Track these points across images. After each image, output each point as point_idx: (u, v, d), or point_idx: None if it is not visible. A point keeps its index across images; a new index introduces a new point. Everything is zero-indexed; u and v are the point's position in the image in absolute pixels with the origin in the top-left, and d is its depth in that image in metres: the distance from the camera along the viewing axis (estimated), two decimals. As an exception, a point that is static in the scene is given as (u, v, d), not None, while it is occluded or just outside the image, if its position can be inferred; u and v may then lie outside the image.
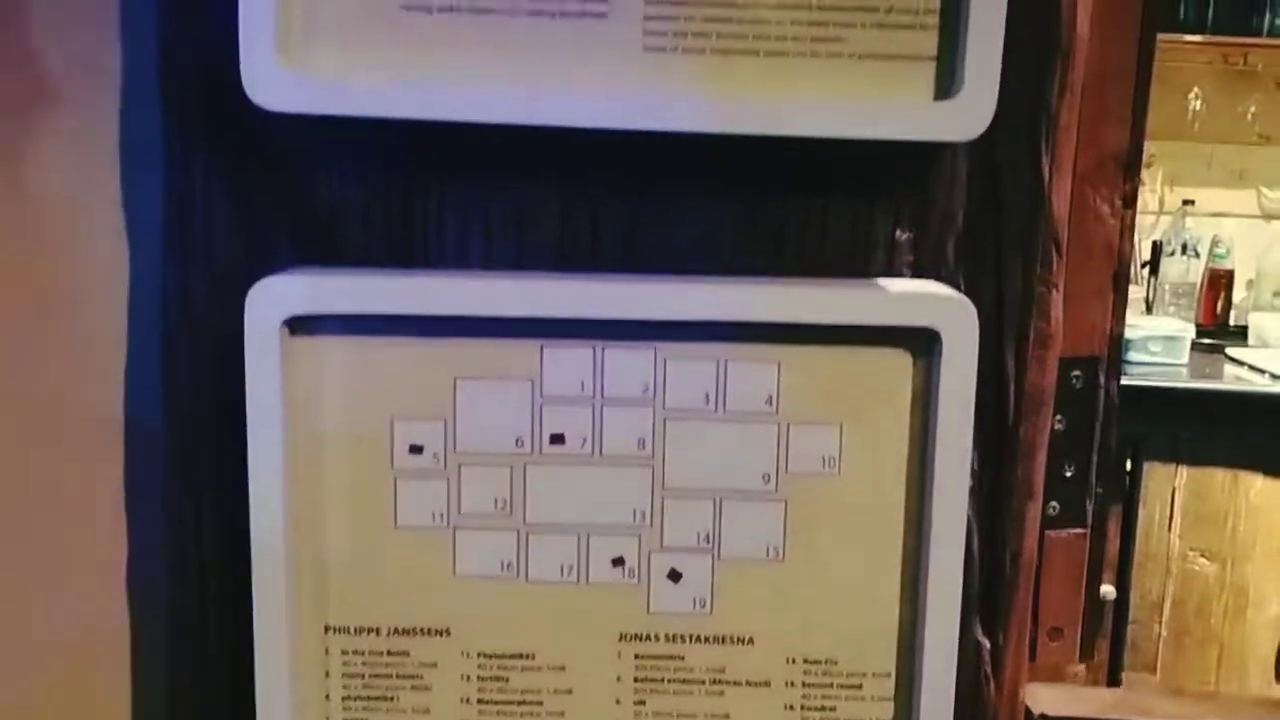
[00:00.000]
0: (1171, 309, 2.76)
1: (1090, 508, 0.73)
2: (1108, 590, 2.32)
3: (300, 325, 0.51)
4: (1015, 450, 0.60)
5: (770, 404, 0.53)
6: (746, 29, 0.51)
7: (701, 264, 0.54)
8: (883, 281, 0.53)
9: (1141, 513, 2.35)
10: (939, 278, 0.55)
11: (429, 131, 0.50)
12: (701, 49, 0.51)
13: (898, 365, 0.53)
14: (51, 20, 0.57)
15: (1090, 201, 0.69)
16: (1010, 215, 0.55)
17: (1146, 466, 2.34)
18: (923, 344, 0.52)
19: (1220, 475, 2.34)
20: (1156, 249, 2.78)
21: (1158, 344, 2.40)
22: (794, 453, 0.53)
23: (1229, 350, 2.56)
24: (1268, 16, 2.69)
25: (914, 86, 0.51)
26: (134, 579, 0.58)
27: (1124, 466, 2.33)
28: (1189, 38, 2.61)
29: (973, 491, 0.56)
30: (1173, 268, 2.77)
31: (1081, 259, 0.68)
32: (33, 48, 0.57)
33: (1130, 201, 0.71)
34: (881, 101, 0.51)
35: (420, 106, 0.50)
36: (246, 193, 0.53)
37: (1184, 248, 2.76)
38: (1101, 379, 0.72)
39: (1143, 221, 2.80)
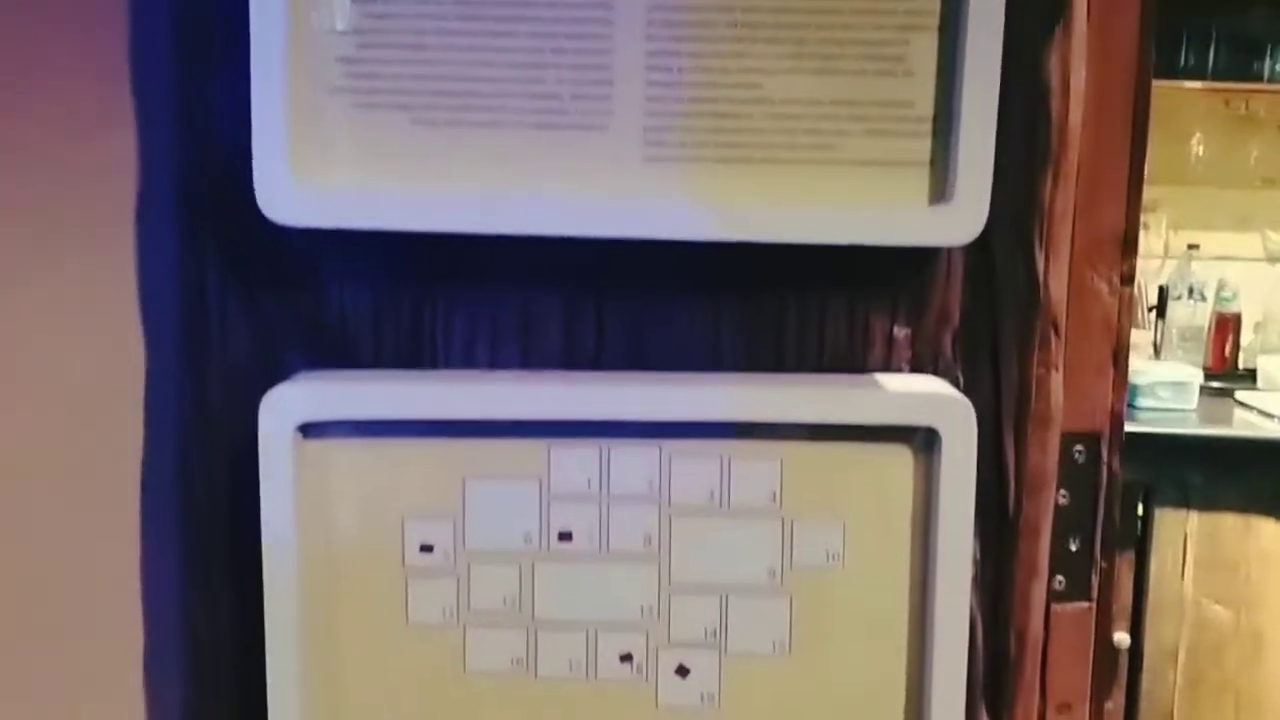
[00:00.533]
0: (1180, 353, 2.76)
1: (1096, 582, 0.74)
2: (1121, 638, 2.31)
3: (313, 429, 0.52)
4: (1016, 538, 0.61)
5: (774, 500, 0.54)
6: (744, 138, 0.52)
7: (704, 361, 0.55)
8: (882, 378, 0.54)
9: (1153, 559, 2.34)
10: (937, 372, 0.56)
11: (437, 239, 0.52)
12: (700, 158, 0.52)
13: (899, 461, 0.54)
14: (69, 126, 0.59)
15: (1089, 280, 0.70)
16: (1006, 310, 0.57)
17: (1157, 512, 2.33)
18: (922, 441, 0.53)
19: (1231, 521, 2.33)
20: (1163, 293, 2.78)
21: (1166, 389, 2.40)
22: (798, 547, 0.54)
23: (1238, 394, 2.56)
24: (1268, 62, 2.71)
25: (909, 191, 0.52)
26: (150, 679, 0.59)
27: (1135, 512, 2.32)
28: (1190, 84, 2.63)
29: (975, 580, 0.57)
30: (1179, 311, 2.77)
31: (1081, 336, 0.69)
32: (50, 153, 0.59)
33: (1128, 279, 0.72)
34: (877, 207, 0.52)
35: (430, 219, 0.51)
36: (260, 300, 0.55)
37: (1190, 291, 2.76)
38: (1104, 454, 0.73)
39: (1148, 265, 2.81)
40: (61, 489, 0.59)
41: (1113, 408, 0.73)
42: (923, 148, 0.52)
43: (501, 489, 0.53)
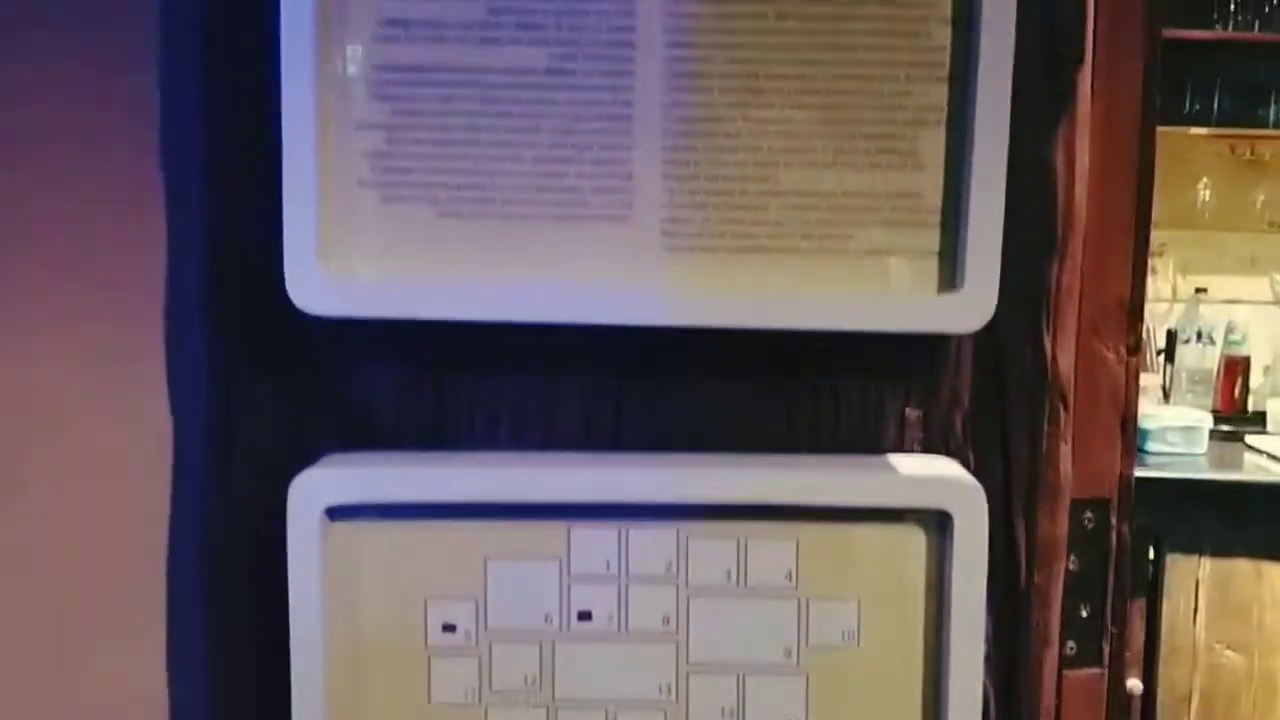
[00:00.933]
0: (1189, 396, 2.77)
1: (1107, 649, 0.75)
2: (1134, 685, 2.30)
3: (339, 512, 0.54)
4: (1028, 609, 0.62)
5: (790, 580, 0.55)
6: (760, 228, 0.54)
7: (721, 442, 0.57)
8: (895, 460, 0.56)
9: (1165, 605, 2.34)
10: (949, 452, 0.57)
11: (460, 324, 0.53)
12: (717, 248, 0.54)
13: (912, 541, 0.55)
14: (98, 206, 0.61)
15: (1096, 350, 0.71)
16: (1015, 392, 0.58)
17: (1169, 558, 2.33)
18: (935, 523, 0.54)
19: (1243, 566, 2.33)
20: (1171, 337, 2.80)
21: (1176, 434, 2.41)
22: (814, 627, 0.55)
23: (1248, 438, 2.56)
24: (1273, 108, 2.73)
25: (919, 280, 0.54)
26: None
27: (1146, 558, 2.32)
28: (1196, 130, 2.65)
29: (988, 657, 0.58)
30: (1188, 355, 2.78)
31: (1089, 406, 0.70)
32: (79, 232, 0.61)
33: (1135, 348, 0.73)
34: (888, 295, 0.53)
35: (454, 309, 0.53)
36: (287, 384, 0.56)
37: (1199, 335, 2.78)
38: (1113, 521, 0.74)
39: (1156, 309, 2.82)
40: (87, 570, 0.60)
41: (1121, 474, 0.74)
42: (932, 238, 0.54)
43: (522, 569, 0.55)
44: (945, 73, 0.53)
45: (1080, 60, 0.56)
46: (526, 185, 0.54)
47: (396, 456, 0.56)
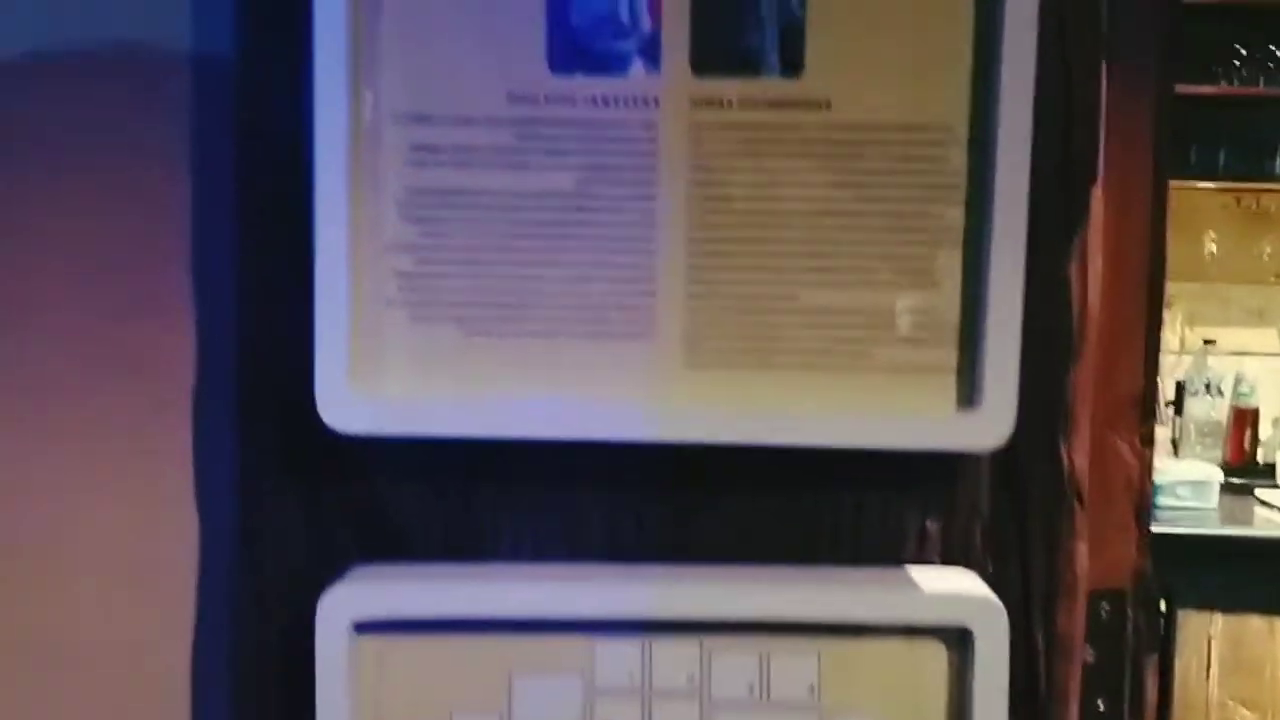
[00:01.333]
0: (1198, 448, 2.76)
1: (1124, 740, 0.75)
2: (1148, 743, 2.28)
3: (366, 626, 0.54)
4: (1047, 712, 0.62)
5: (812, 693, 0.55)
6: (780, 345, 0.55)
7: (743, 553, 0.57)
8: (915, 574, 0.56)
9: (1178, 662, 2.33)
10: (967, 563, 0.58)
11: (486, 439, 0.54)
12: (739, 364, 0.55)
13: (933, 656, 0.55)
14: (127, 313, 0.62)
15: (1110, 443, 0.72)
16: (1033, 502, 0.59)
17: (1181, 614, 2.33)
18: (956, 638, 0.55)
19: (1256, 622, 2.32)
20: (1180, 389, 2.80)
21: (1186, 489, 2.41)
22: (835, 740, 0.55)
23: (1259, 492, 2.56)
24: (1278, 161, 2.75)
25: (937, 397, 0.55)
26: None
27: (1158, 613, 2.31)
28: (1201, 183, 2.67)
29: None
30: (1197, 407, 2.78)
31: (1104, 498, 0.71)
32: (108, 339, 0.62)
33: (1148, 440, 0.74)
34: (907, 413, 0.54)
35: (481, 427, 0.54)
36: (315, 496, 0.57)
37: (1208, 387, 2.78)
38: (1130, 611, 0.74)
39: (1165, 361, 2.83)
40: (113, 679, 0.61)
41: (1136, 565, 0.74)
42: (950, 355, 0.55)
43: (547, 684, 0.55)
44: (962, 195, 0.54)
45: (1094, 178, 0.58)
46: (552, 304, 0.55)
47: (423, 570, 0.56)
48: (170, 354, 0.61)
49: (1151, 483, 0.76)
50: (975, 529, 0.58)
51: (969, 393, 0.54)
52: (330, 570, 0.56)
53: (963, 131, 0.54)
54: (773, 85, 0.53)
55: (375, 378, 0.54)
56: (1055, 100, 0.55)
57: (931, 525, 0.58)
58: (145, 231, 0.61)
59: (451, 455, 0.57)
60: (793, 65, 0.53)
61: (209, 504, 0.60)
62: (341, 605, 0.54)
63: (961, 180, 0.54)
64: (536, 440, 0.54)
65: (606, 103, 0.54)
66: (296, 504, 0.57)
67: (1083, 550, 0.65)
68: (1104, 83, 0.57)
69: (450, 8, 0.53)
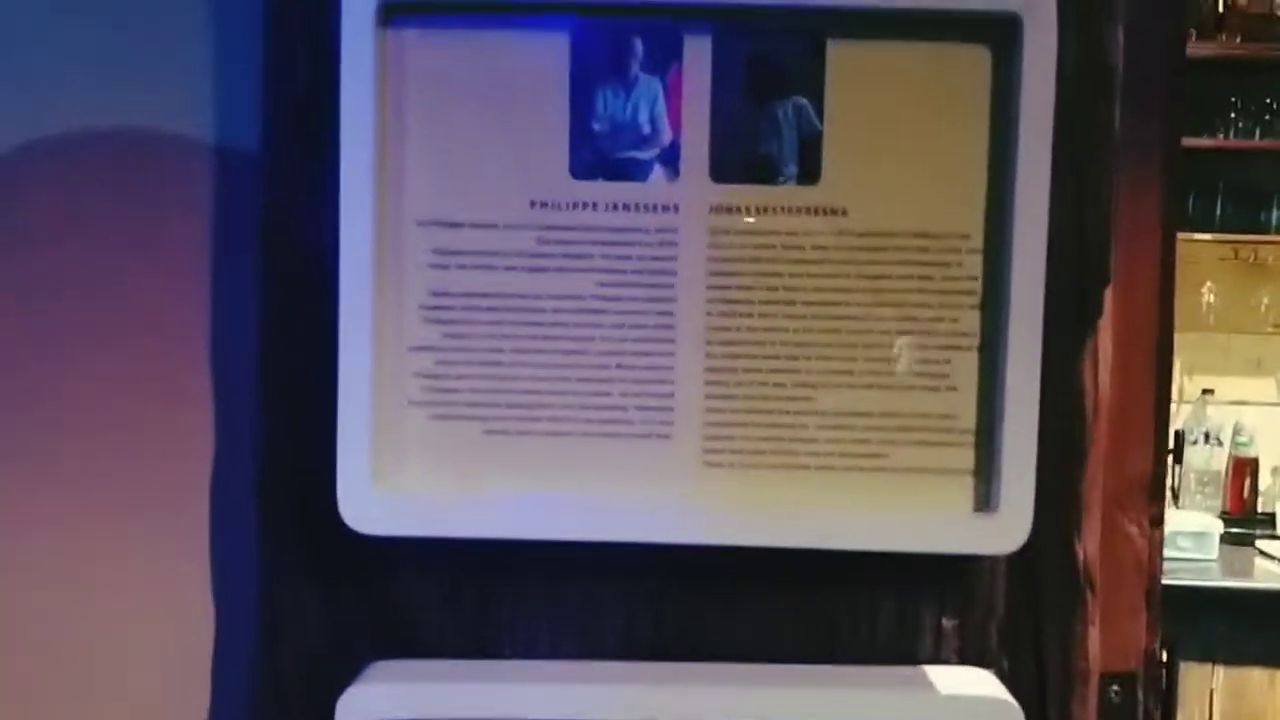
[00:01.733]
0: (1198, 497, 2.76)
1: (1135, 825, 0.75)
2: (1151, 797, 2.27)
3: (385, 724, 0.55)
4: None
5: (828, 793, 0.55)
6: (798, 446, 0.55)
7: (760, 651, 0.58)
8: (932, 675, 0.56)
9: (1180, 715, 2.32)
10: (983, 660, 0.58)
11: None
12: (757, 464, 0.55)
13: (948, 757, 0.55)
14: (144, 398, 0.62)
15: (1120, 525, 0.72)
16: (1048, 600, 0.59)
17: (1182, 666, 2.32)
18: (972, 739, 0.55)
19: (1257, 674, 2.31)
20: (1179, 438, 2.80)
21: (1187, 539, 2.40)
22: (852, 840, 0.55)
23: (1259, 543, 2.55)
24: (1275, 213, 2.77)
25: (954, 499, 0.55)
26: None
27: (1160, 665, 2.31)
28: (1199, 235, 2.69)
29: None
30: (1196, 456, 2.79)
31: (1115, 580, 0.71)
32: (126, 423, 0.62)
33: (1158, 521, 0.74)
34: (924, 515, 0.55)
35: (502, 528, 0.54)
36: (334, 590, 0.58)
37: (1206, 436, 2.78)
38: (1140, 695, 0.74)
39: (1164, 410, 2.83)
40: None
41: (1146, 647, 0.75)
42: (967, 457, 0.55)
43: (565, 782, 0.55)
44: (978, 300, 0.55)
45: (1108, 281, 0.58)
46: (572, 404, 0.55)
47: (441, 669, 0.56)
48: (192, 446, 0.61)
49: (1161, 564, 0.76)
50: (991, 626, 0.58)
51: (986, 495, 0.55)
52: (348, 664, 0.56)
53: (978, 239, 0.54)
54: (790, 192, 0.54)
55: (397, 477, 0.55)
56: (1068, 205, 0.56)
57: (948, 623, 0.58)
58: (168, 325, 0.62)
59: (470, 552, 0.57)
60: (810, 173, 0.54)
61: (228, 596, 0.60)
62: (361, 706, 0.54)
63: (977, 286, 0.55)
64: (555, 541, 0.54)
65: (627, 208, 0.54)
66: (315, 598, 0.58)
67: (1095, 636, 0.65)
68: (1116, 184, 0.58)
69: (474, 115, 0.54)
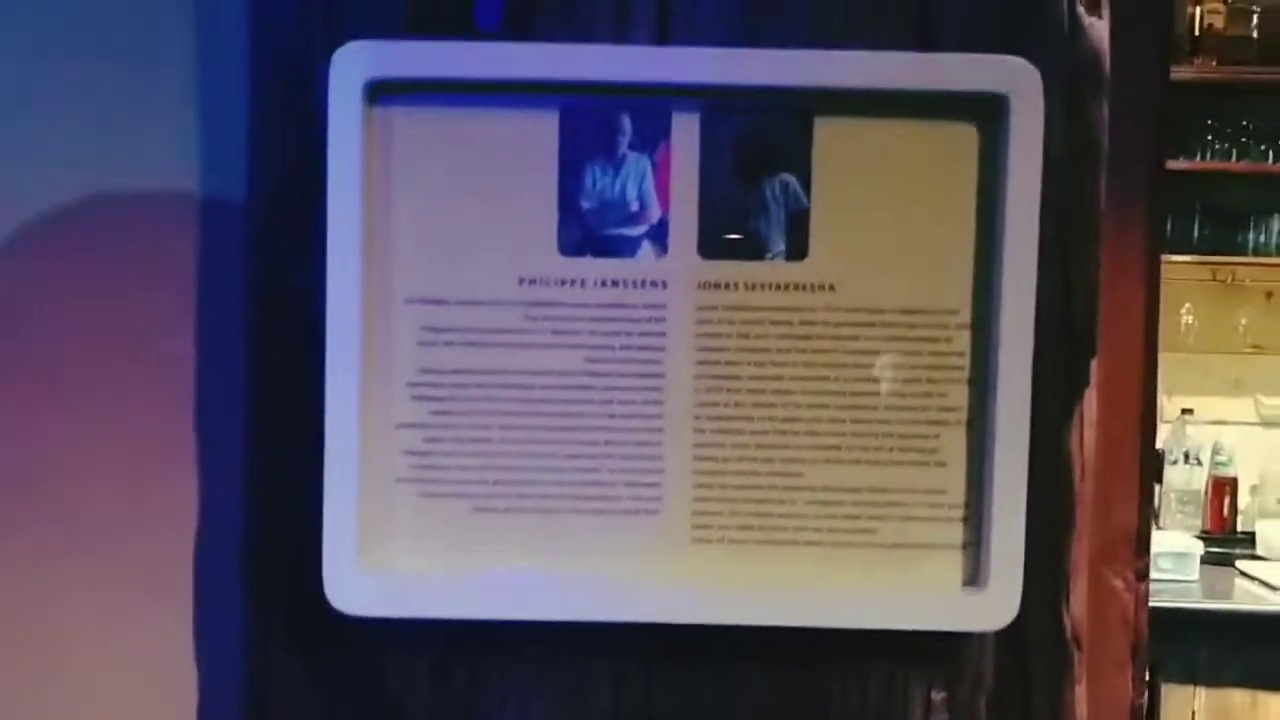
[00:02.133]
0: (1179, 516, 2.78)
1: None
2: (1134, 820, 2.27)
3: (373, 806, 0.54)
4: None
5: None
6: (787, 521, 0.55)
7: (749, 723, 0.57)
8: (921, 749, 0.56)
9: (1162, 738, 2.32)
10: (972, 731, 0.58)
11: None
12: (746, 540, 0.55)
13: (939, 832, 0.55)
14: (129, 485, 0.61)
15: (1105, 579, 0.72)
16: (1036, 670, 0.59)
17: (1164, 688, 2.33)
18: (962, 815, 0.55)
19: (1239, 696, 2.32)
20: (1159, 457, 2.82)
21: (1168, 560, 2.41)
22: None
23: (1239, 563, 2.57)
24: (1251, 234, 2.80)
25: (943, 573, 0.55)
26: None
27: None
28: (1177, 257, 2.71)
29: None
30: (1176, 476, 2.80)
31: (1100, 634, 0.71)
32: (110, 510, 0.61)
33: (1143, 575, 0.74)
34: (913, 590, 0.55)
35: (490, 608, 0.54)
36: (321, 670, 0.57)
37: (1186, 456, 2.80)
38: (1125, 750, 0.74)
39: (1144, 430, 2.84)
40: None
41: (1132, 703, 0.75)
42: (955, 532, 0.55)
43: None
44: (965, 375, 0.55)
45: (1094, 353, 0.59)
46: (561, 480, 0.55)
47: (429, 746, 0.56)
48: (176, 519, 0.61)
49: (1146, 618, 0.76)
50: (980, 699, 0.58)
51: (975, 571, 0.55)
52: (335, 743, 0.56)
53: (966, 314, 0.55)
54: (778, 269, 0.54)
55: (384, 556, 0.55)
56: (1055, 280, 0.56)
57: (937, 696, 0.58)
58: (151, 393, 0.61)
59: (459, 629, 0.56)
60: (798, 250, 0.54)
61: (212, 675, 0.60)
62: (348, 787, 0.53)
63: (965, 361, 0.55)
64: (544, 621, 0.54)
65: (615, 284, 0.54)
66: (302, 677, 0.57)
67: (1082, 694, 0.65)
68: (1101, 259, 0.59)
69: (462, 192, 0.54)
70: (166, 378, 0.61)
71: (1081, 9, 0.55)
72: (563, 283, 0.54)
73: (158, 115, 0.60)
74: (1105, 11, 0.56)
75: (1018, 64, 0.52)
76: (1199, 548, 2.48)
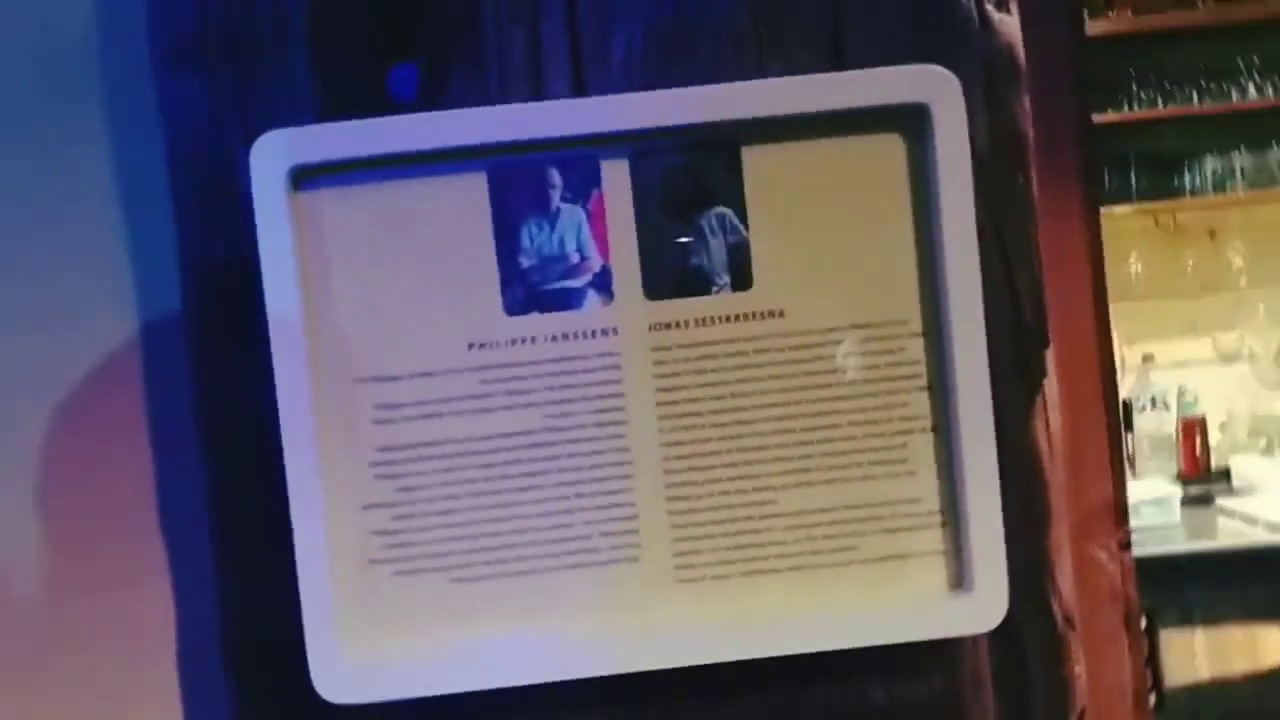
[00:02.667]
0: (1153, 464, 2.81)
1: None
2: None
3: None
4: None
5: None
6: (767, 550, 0.55)
7: (754, 755, 0.57)
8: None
9: (1167, 682, 2.35)
10: (977, 731, 0.58)
11: (487, 683, 0.54)
12: (729, 574, 0.55)
13: (957, 838, 0.55)
14: (103, 585, 0.61)
15: (1089, 553, 0.73)
16: (1031, 664, 0.59)
17: (1163, 634, 2.35)
18: (978, 819, 0.55)
19: (1238, 632, 2.35)
20: (1127, 407, 2.85)
21: (1149, 508, 2.44)
22: None
23: (1219, 500, 2.60)
24: (1188, 177, 2.83)
25: (929, 580, 0.55)
26: None
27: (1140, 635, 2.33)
28: (1119, 208, 2.74)
29: None
30: (1146, 423, 2.83)
31: (1092, 609, 0.72)
32: (85, 609, 0.61)
33: (1125, 544, 0.75)
34: (900, 600, 0.55)
35: (478, 679, 0.53)
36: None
37: (1153, 402, 2.83)
38: (1131, 720, 0.75)
39: (1109, 382, 2.87)
40: None
41: (1135, 686, 0.75)
42: (936, 538, 0.55)
43: None
44: (924, 382, 0.55)
45: (1046, 344, 0.59)
46: (536, 540, 0.55)
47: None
48: (152, 625, 0.60)
49: (1135, 587, 0.77)
50: (980, 698, 0.58)
51: (960, 574, 0.55)
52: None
53: (917, 323, 0.55)
54: (725, 301, 0.54)
55: (366, 640, 0.54)
56: (1000, 275, 0.56)
57: (935, 697, 0.58)
58: (112, 499, 0.60)
59: (450, 700, 0.56)
60: (742, 280, 0.54)
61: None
62: None
63: (921, 369, 0.55)
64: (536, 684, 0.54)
65: (566, 338, 0.54)
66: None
67: (1081, 673, 0.65)
68: (1039, 246, 0.59)
69: (400, 265, 0.54)
70: (124, 484, 0.60)
71: (990, 7, 0.55)
72: (512, 342, 0.54)
73: (87, 229, 0.59)
74: (1013, 6, 0.56)
75: (934, 71, 0.52)
76: (1178, 491, 2.51)
